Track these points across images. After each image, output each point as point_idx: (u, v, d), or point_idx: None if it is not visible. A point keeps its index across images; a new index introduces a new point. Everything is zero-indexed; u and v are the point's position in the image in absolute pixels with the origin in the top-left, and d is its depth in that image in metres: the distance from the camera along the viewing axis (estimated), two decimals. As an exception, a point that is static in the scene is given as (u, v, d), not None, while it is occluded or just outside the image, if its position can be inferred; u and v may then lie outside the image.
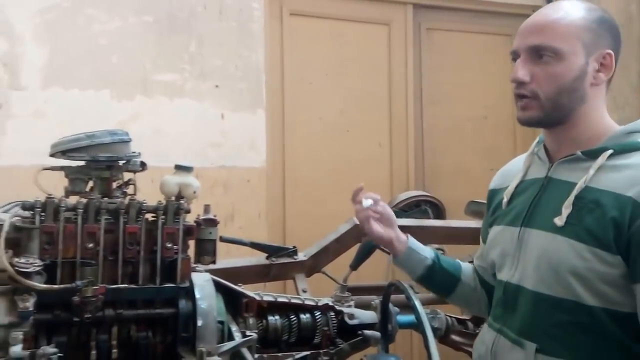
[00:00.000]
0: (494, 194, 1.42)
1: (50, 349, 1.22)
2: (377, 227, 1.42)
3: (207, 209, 1.56)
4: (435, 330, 1.75)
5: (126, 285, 1.41)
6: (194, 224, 1.50)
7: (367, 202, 1.39)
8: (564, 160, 1.24)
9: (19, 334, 1.22)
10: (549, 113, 1.22)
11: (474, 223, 2.20)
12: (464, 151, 3.66)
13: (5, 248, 1.31)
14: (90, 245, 1.39)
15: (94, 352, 1.37)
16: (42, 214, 1.38)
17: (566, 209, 1.16)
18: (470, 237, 2.15)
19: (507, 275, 1.27)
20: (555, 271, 1.16)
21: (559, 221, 1.16)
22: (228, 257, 2.01)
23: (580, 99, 1.21)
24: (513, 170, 1.38)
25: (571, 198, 1.16)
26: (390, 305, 1.60)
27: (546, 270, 1.18)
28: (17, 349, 1.20)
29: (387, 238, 1.44)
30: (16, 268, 1.28)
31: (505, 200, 1.32)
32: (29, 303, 1.26)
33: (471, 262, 1.51)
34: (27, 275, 1.28)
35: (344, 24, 3.41)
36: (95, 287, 1.33)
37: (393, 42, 3.52)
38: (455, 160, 3.65)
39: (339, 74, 3.39)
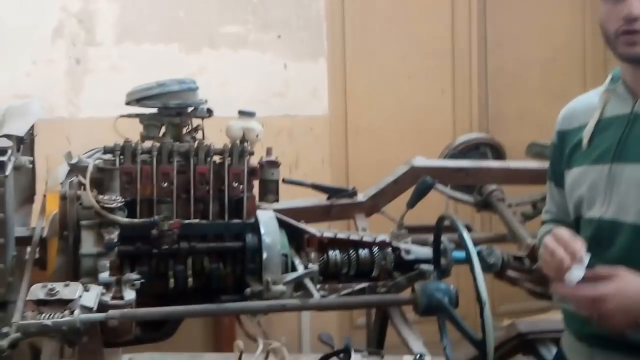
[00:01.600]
0: (565, 135, 1.38)
1: (134, 276, 1.37)
2: None
3: (269, 151, 1.67)
4: (490, 265, 1.80)
5: (198, 220, 1.55)
6: (258, 165, 1.61)
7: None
8: None
9: (106, 263, 1.38)
10: None
11: (534, 164, 2.20)
12: (530, 95, 3.58)
13: (90, 187, 1.46)
14: (165, 184, 1.53)
15: (171, 280, 1.52)
16: (121, 156, 1.52)
17: None
18: (528, 178, 2.17)
19: (599, 212, 1.25)
20: None
21: None
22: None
23: None
24: (582, 110, 1.36)
25: None
26: (446, 241, 1.65)
27: None
28: (104, 275, 1.36)
29: None
30: (101, 204, 1.43)
31: (585, 140, 1.30)
32: (114, 235, 1.42)
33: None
34: (111, 210, 1.43)
35: (405, -33, 3.37)
36: (171, 222, 1.47)
37: (456, -17, 3.45)
38: (521, 104, 3.58)
39: (400, 20, 3.37)
